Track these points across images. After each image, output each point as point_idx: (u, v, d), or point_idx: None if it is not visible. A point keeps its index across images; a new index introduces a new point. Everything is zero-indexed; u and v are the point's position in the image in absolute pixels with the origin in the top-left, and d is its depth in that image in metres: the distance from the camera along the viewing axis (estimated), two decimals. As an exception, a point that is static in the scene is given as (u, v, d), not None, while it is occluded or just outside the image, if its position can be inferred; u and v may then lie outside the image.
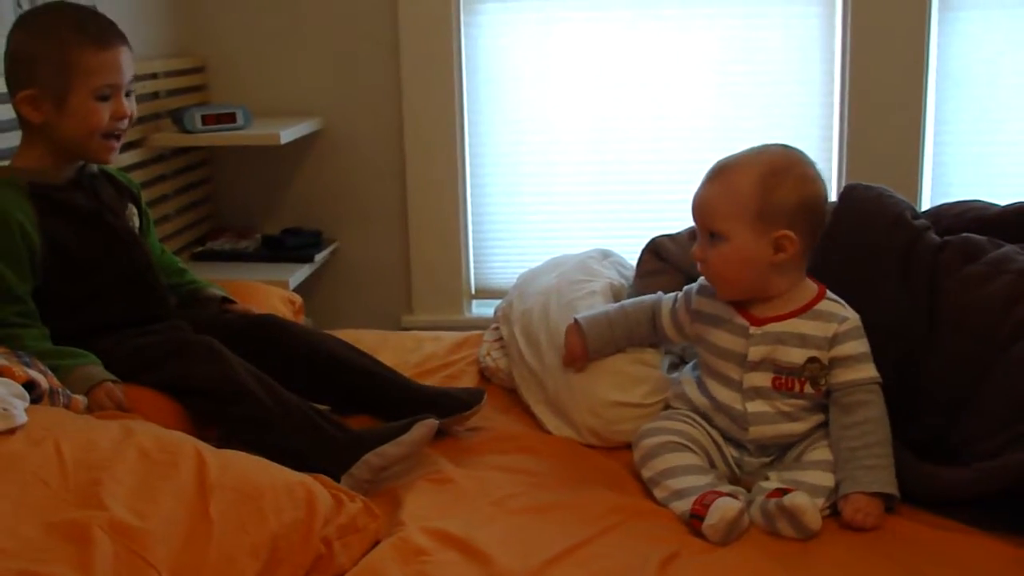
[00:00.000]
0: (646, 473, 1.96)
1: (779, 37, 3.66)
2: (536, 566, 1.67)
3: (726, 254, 1.96)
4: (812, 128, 3.69)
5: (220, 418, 2.07)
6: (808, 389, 1.96)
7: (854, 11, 3.54)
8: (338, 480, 1.94)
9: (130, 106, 2.23)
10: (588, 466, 2.09)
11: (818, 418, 1.99)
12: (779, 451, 1.99)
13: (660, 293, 2.19)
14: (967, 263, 2.08)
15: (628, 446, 2.13)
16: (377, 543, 1.76)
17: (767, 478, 1.95)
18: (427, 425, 2.02)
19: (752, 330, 1.97)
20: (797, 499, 1.78)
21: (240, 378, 2.04)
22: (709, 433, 2.02)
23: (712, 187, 2.00)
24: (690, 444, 1.97)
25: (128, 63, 2.21)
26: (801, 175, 1.98)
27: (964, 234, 2.16)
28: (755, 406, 1.97)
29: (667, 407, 2.12)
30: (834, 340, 1.95)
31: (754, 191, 1.94)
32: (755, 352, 1.96)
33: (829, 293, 2.01)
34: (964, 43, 3.60)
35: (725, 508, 1.77)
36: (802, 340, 1.95)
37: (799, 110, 3.69)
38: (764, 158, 1.99)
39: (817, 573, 1.69)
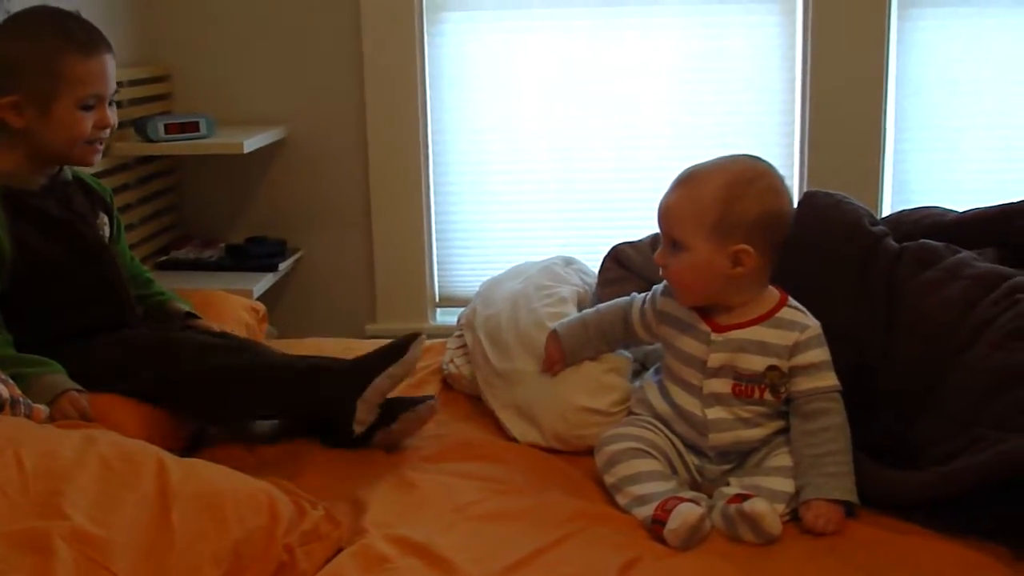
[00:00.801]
0: (609, 479, 1.97)
1: (740, 45, 3.69)
2: (497, 572, 1.68)
3: (684, 263, 1.97)
4: (773, 135, 3.72)
5: (227, 397, 2.14)
6: (768, 396, 1.97)
7: (814, 19, 3.58)
8: (354, 406, 2.09)
9: (112, 116, 2.23)
10: (550, 473, 2.09)
11: (777, 424, 2.00)
12: (739, 458, 2.00)
13: (633, 294, 2.18)
14: (924, 269, 2.10)
15: (590, 452, 2.13)
16: (340, 550, 1.76)
17: (728, 484, 1.96)
18: (421, 341, 2.18)
19: (713, 336, 1.97)
20: (757, 505, 1.79)
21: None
22: (670, 439, 2.02)
23: (676, 195, 2.00)
24: (652, 450, 1.98)
25: (112, 71, 2.22)
26: (764, 188, 1.96)
27: (921, 241, 2.19)
28: (714, 412, 1.98)
29: (629, 413, 2.12)
30: (795, 349, 1.96)
31: (714, 202, 1.93)
32: (715, 359, 1.97)
33: (791, 300, 2.01)
34: (923, 51, 3.64)
35: (687, 513, 1.78)
36: (763, 348, 1.96)
37: (760, 117, 3.72)
38: (730, 169, 1.99)
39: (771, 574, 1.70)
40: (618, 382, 2.20)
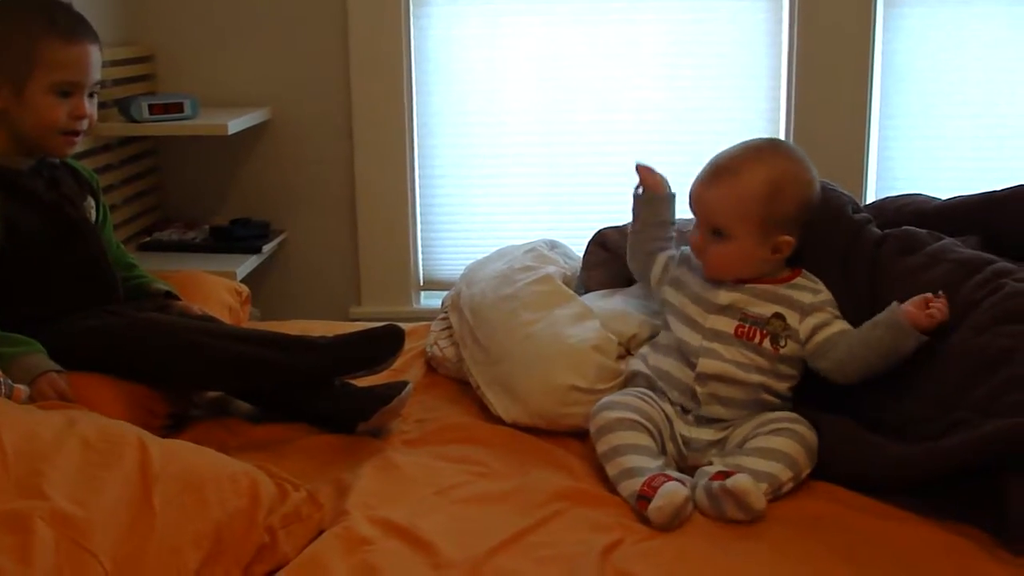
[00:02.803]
0: (600, 447, 1.99)
1: (726, 31, 3.68)
2: (479, 555, 1.69)
3: (727, 252, 2.10)
4: (759, 121, 3.72)
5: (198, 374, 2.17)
6: (767, 344, 2.05)
7: (801, 6, 3.58)
8: (355, 430, 2.15)
9: (91, 107, 2.22)
10: (533, 455, 2.10)
11: (766, 382, 2.05)
12: (724, 426, 2.03)
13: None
14: (906, 255, 2.12)
15: (574, 432, 2.16)
16: (321, 532, 1.77)
17: (711, 463, 1.97)
18: (411, 386, 2.22)
19: (727, 285, 2.10)
20: (740, 481, 1.80)
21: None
22: (663, 409, 2.05)
23: (719, 188, 2.09)
24: (645, 423, 1.99)
25: (95, 63, 2.20)
26: (803, 182, 2.11)
27: (904, 227, 2.20)
28: (714, 346, 2.07)
29: (626, 383, 2.17)
30: (811, 308, 2.07)
31: (760, 198, 2.06)
32: (724, 296, 2.08)
33: (805, 272, 2.14)
34: (909, 39, 3.65)
35: (673, 492, 1.79)
36: (773, 297, 2.08)
37: (746, 103, 3.72)
38: (768, 162, 2.09)
39: (756, 558, 1.71)
40: (602, 360, 2.22)
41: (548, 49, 3.72)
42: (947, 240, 2.16)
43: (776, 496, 1.89)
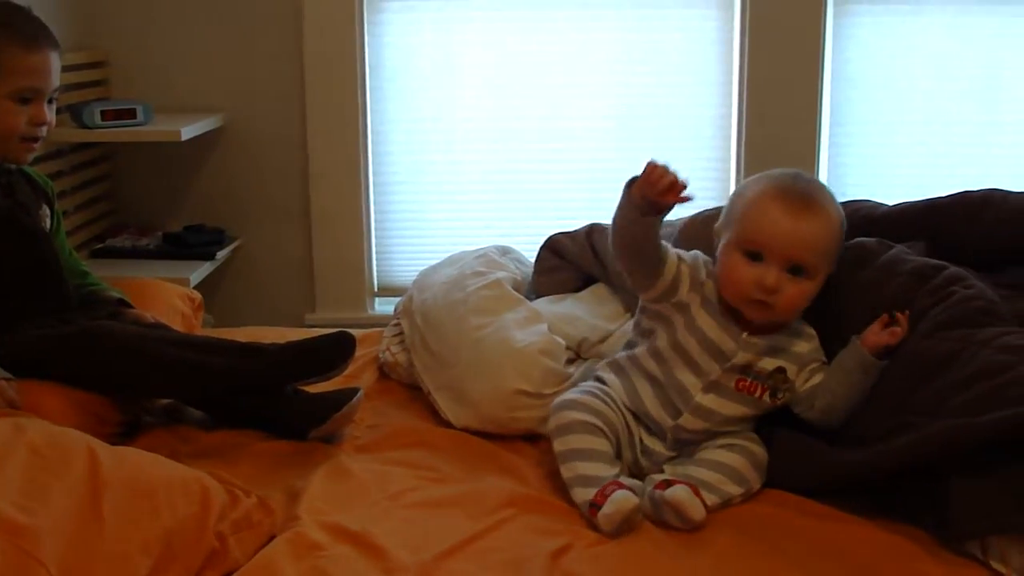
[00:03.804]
0: (557, 447, 1.97)
1: (678, 39, 3.71)
2: (430, 560, 1.69)
3: (807, 290, 1.97)
4: (709, 128, 3.75)
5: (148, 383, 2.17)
6: (766, 398, 2.01)
7: (752, 15, 3.61)
8: (307, 436, 2.13)
9: (50, 114, 2.21)
10: (485, 459, 2.11)
11: (743, 421, 2.03)
12: (688, 448, 2.02)
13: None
14: (860, 269, 2.11)
15: (525, 436, 2.18)
16: (272, 538, 1.77)
17: (662, 470, 1.99)
18: (362, 392, 2.21)
19: (745, 336, 1.99)
20: (677, 492, 1.82)
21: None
22: (623, 415, 2.03)
23: (815, 221, 1.95)
24: (605, 428, 1.97)
25: (56, 69, 2.20)
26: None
27: (855, 240, 2.21)
28: (708, 399, 1.99)
29: (594, 378, 2.11)
30: (808, 360, 2.03)
31: (839, 234, 2.01)
32: (742, 357, 1.98)
33: None
34: (859, 47, 3.69)
35: (622, 500, 1.80)
36: (777, 349, 2.00)
37: (697, 111, 3.75)
38: (830, 197, 2.02)
39: (702, 563, 1.73)
40: (552, 365, 2.23)
41: (501, 57, 3.74)
42: (896, 248, 2.18)
43: (725, 505, 1.91)
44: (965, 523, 1.72)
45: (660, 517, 1.84)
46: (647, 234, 1.96)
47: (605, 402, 2.02)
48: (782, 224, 1.93)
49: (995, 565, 1.70)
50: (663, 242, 2.01)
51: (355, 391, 2.20)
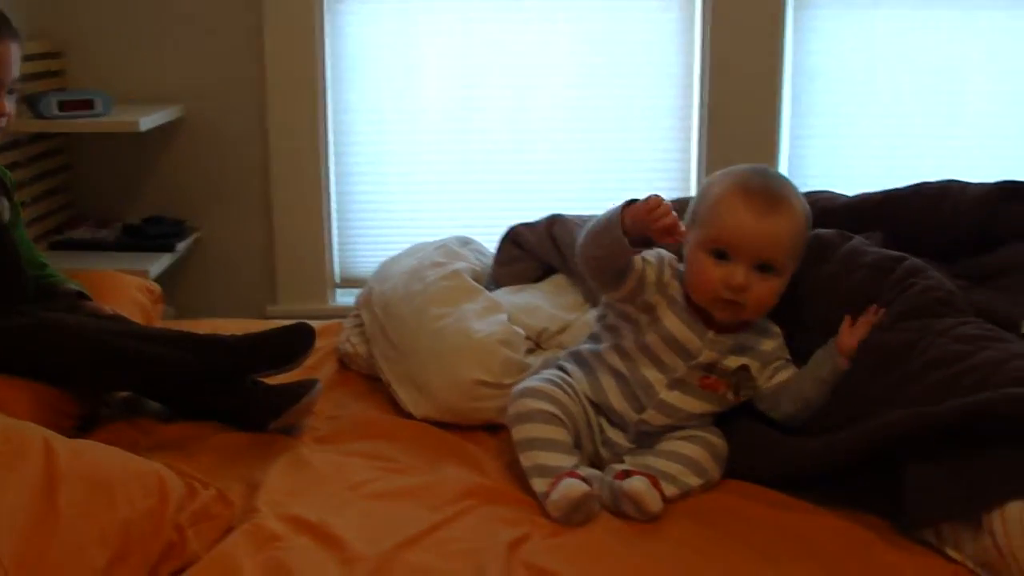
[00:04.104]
0: (516, 435, 1.97)
1: (639, 31, 3.72)
2: (388, 550, 1.70)
3: (773, 287, 1.97)
4: (671, 120, 3.76)
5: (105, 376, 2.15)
6: (729, 395, 2.02)
7: (713, 7, 3.62)
8: (266, 428, 2.13)
9: (10, 105, 2.19)
10: (445, 450, 2.11)
11: (706, 416, 2.04)
12: (649, 440, 2.03)
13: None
14: (820, 263, 2.13)
15: (485, 426, 2.18)
16: (231, 530, 1.76)
17: (622, 460, 1.99)
18: (321, 384, 2.22)
19: (711, 335, 1.99)
20: (634, 484, 1.82)
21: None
22: (584, 406, 2.03)
23: (781, 219, 1.94)
24: (564, 418, 1.97)
25: (15, 59, 2.18)
26: None
27: (814, 231, 2.22)
28: (673, 396, 2.00)
29: (557, 366, 2.11)
30: (772, 357, 2.03)
31: (806, 230, 2.02)
32: (707, 355, 1.98)
33: None
34: (819, 40, 3.72)
35: (569, 488, 1.81)
36: (742, 347, 2.01)
37: (659, 102, 3.76)
38: (796, 194, 2.02)
39: (661, 551, 1.74)
40: (511, 356, 2.23)
41: (463, 48, 3.74)
42: (855, 240, 2.19)
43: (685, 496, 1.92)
44: (920, 511, 1.74)
45: (618, 508, 1.84)
46: (622, 255, 1.95)
47: (565, 391, 2.02)
48: (748, 223, 1.92)
49: (950, 552, 1.72)
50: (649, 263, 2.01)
51: (314, 383, 2.20)
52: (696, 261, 1.97)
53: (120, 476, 1.67)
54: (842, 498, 1.87)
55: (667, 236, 1.86)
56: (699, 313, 2.00)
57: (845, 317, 1.98)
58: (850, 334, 1.98)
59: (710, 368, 1.99)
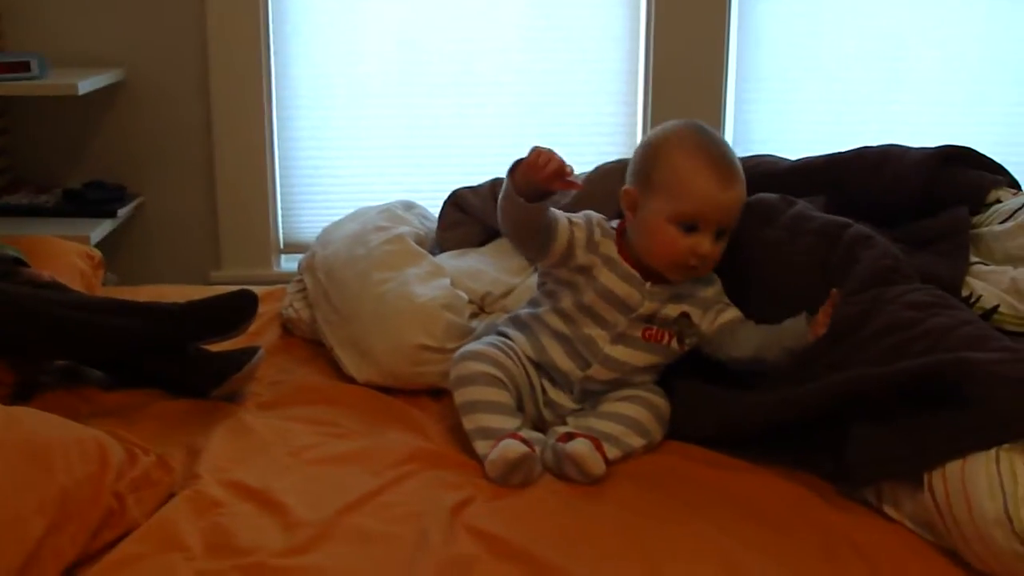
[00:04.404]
0: (458, 398, 1.97)
1: (585, -5, 3.71)
2: (331, 515, 1.69)
3: (723, 247, 2.00)
4: (616, 84, 3.76)
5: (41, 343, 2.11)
6: (673, 344, 2.02)
7: (659, -31, 3.62)
8: (208, 395, 2.13)
9: None
10: (388, 415, 2.11)
11: (652, 369, 2.04)
12: (592, 399, 2.03)
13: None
14: (764, 227, 2.14)
15: (428, 391, 2.18)
16: (172, 496, 1.75)
17: (565, 422, 2.00)
18: (263, 351, 2.20)
19: (648, 286, 1.99)
20: (577, 446, 1.83)
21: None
22: (525, 368, 2.03)
23: (739, 187, 1.98)
24: (506, 380, 1.97)
25: None
26: None
27: (756, 195, 2.22)
28: (617, 350, 2.00)
29: (497, 332, 2.10)
30: (711, 302, 2.04)
31: None
32: (647, 307, 1.98)
33: None
34: (765, 5, 3.72)
35: (507, 447, 1.81)
36: (680, 295, 2.01)
37: (604, 66, 3.75)
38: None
39: (603, 513, 1.74)
40: (454, 320, 2.23)
41: (407, 10, 3.70)
42: (800, 205, 2.20)
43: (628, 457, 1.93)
44: (863, 469, 1.76)
45: (561, 471, 1.85)
46: (534, 217, 1.94)
47: (507, 354, 2.02)
48: (718, 195, 1.94)
49: (888, 510, 1.74)
50: (551, 211, 1.98)
51: (256, 350, 2.18)
52: (661, 231, 1.96)
53: (58, 443, 1.65)
54: (783, 458, 1.89)
55: (557, 182, 1.86)
56: (636, 267, 2.00)
57: (832, 293, 1.93)
58: (824, 318, 1.93)
59: (651, 319, 2.00)
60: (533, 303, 2.11)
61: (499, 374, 1.98)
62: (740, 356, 2.01)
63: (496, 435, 1.88)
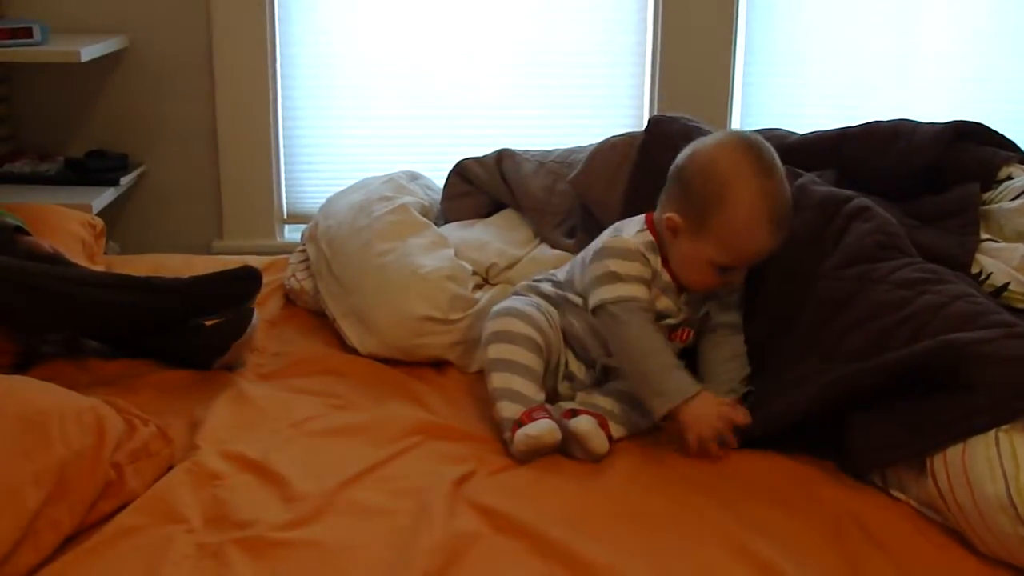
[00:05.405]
0: (493, 352, 1.93)
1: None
2: (331, 488, 1.68)
3: None
4: (626, 56, 3.72)
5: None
6: (692, 339, 2.01)
7: (667, -58, 3.58)
8: (210, 366, 2.11)
9: None
10: (390, 386, 2.10)
11: None
12: (612, 377, 2.01)
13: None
14: None
15: (431, 362, 2.17)
16: (172, 468, 1.74)
17: (574, 398, 1.98)
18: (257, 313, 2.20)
19: (684, 298, 1.96)
20: (582, 423, 1.81)
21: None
22: (559, 335, 2.00)
23: (788, 230, 1.91)
24: (544, 348, 1.94)
25: None
26: None
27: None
28: None
29: (537, 292, 2.07)
30: (729, 304, 2.03)
31: None
32: (681, 317, 1.97)
33: None
34: (774, -23, 3.69)
35: (548, 431, 1.79)
36: (708, 299, 1.99)
37: (612, 38, 3.71)
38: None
39: (607, 488, 1.73)
40: (456, 290, 2.21)
41: (414, -20, 3.67)
42: (805, 177, 2.19)
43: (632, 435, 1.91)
44: (865, 457, 1.76)
45: (566, 447, 1.83)
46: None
47: (547, 319, 1.99)
48: (768, 246, 1.89)
49: (894, 493, 1.73)
50: (644, 290, 1.92)
51: (250, 312, 2.16)
52: (699, 268, 1.91)
53: (56, 414, 1.63)
54: (787, 444, 1.86)
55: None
56: (674, 277, 1.97)
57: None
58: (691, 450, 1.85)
59: (680, 324, 1.98)
60: (559, 285, 2.07)
61: (539, 340, 1.95)
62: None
63: (524, 402, 1.86)
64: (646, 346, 1.87)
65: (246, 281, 2.21)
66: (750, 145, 1.90)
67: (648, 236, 1.96)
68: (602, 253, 1.94)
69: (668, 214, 1.92)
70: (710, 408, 1.82)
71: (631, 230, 1.98)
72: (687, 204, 1.90)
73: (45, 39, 3.26)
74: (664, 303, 1.95)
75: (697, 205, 1.89)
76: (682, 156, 1.95)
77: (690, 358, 2.01)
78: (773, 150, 1.91)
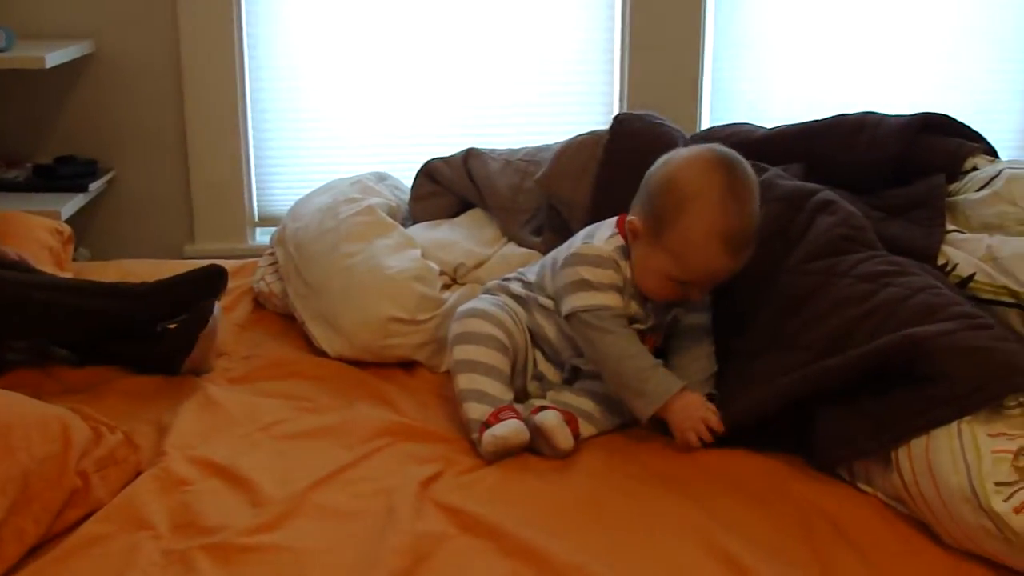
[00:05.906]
0: (459, 354, 1.93)
1: (561, -39, 3.67)
2: (299, 491, 1.68)
3: None
4: (595, 52, 3.71)
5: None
6: (659, 342, 2.01)
7: (636, -64, 3.58)
8: (178, 369, 2.11)
9: None
10: (359, 388, 2.09)
11: None
12: (580, 378, 2.01)
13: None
14: None
15: (400, 364, 2.16)
16: (139, 474, 1.73)
17: (543, 396, 1.98)
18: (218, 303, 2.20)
19: (651, 305, 1.95)
20: (547, 418, 1.81)
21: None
22: (526, 336, 2.00)
23: (749, 252, 1.88)
24: (510, 347, 1.94)
25: None
26: None
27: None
28: None
29: (507, 292, 2.06)
30: (698, 306, 2.01)
31: None
32: (650, 323, 1.96)
33: None
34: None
35: (516, 431, 1.79)
36: (675, 304, 1.98)
37: (581, 33, 3.70)
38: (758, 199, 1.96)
39: (574, 486, 1.73)
40: (425, 291, 2.21)
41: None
42: (770, 172, 2.19)
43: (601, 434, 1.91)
44: (830, 452, 1.77)
45: (532, 443, 1.82)
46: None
47: (514, 320, 1.99)
48: (726, 267, 1.87)
49: (862, 486, 1.74)
50: (616, 298, 1.91)
51: (210, 305, 2.15)
52: (656, 279, 1.90)
53: (19, 422, 1.62)
54: (749, 442, 1.86)
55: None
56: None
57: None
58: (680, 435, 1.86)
59: (647, 330, 1.97)
60: (528, 286, 2.06)
61: (504, 339, 1.94)
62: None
63: (491, 402, 1.85)
64: (622, 351, 1.87)
65: (212, 280, 2.20)
66: (725, 164, 1.88)
67: (619, 240, 1.95)
68: (574, 260, 1.93)
69: (631, 217, 1.92)
70: (694, 400, 1.84)
71: (603, 234, 1.98)
72: (649, 211, 1.90)
73: (11, 45, 3.24)
74: (633, 308, 1.95)
75: (656, 213, 1.88)
76: (658, 162, 1.94)
77: (659, 359, 2.01)
78: (752, 175, 1.89)
